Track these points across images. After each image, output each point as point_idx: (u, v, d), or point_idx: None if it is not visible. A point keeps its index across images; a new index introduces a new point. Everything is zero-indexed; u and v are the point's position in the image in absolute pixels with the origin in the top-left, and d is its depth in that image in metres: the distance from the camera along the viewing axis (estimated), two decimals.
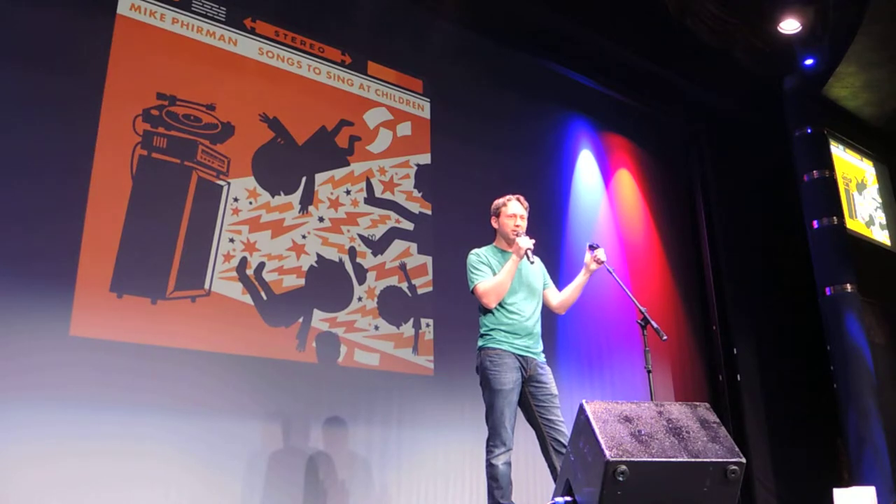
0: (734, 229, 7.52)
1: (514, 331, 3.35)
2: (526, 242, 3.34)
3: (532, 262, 3.42)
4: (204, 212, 4.44)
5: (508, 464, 3.19)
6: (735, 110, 7.57)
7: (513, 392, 3.26)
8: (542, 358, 3.41)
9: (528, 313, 3.41)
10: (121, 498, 3.69)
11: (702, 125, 7.76)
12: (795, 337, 7.34)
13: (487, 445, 3.23)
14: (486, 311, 3.40)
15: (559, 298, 3.58)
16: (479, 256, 3.45)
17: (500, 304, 3.37)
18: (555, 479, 3.21)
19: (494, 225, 3.56)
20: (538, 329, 3.45)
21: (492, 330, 3.36)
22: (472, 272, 3.41)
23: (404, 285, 5.19)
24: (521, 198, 3.55)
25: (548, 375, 3.37)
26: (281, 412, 4.37)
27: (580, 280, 3.51)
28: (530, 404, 3.31)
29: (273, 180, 4.77)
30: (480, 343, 3.39)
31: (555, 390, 3.35)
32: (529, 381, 3.32)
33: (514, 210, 3.49)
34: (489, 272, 3.40)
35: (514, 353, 3.31)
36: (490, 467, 3.19)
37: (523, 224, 3.47)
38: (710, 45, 6.48)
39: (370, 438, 4.68)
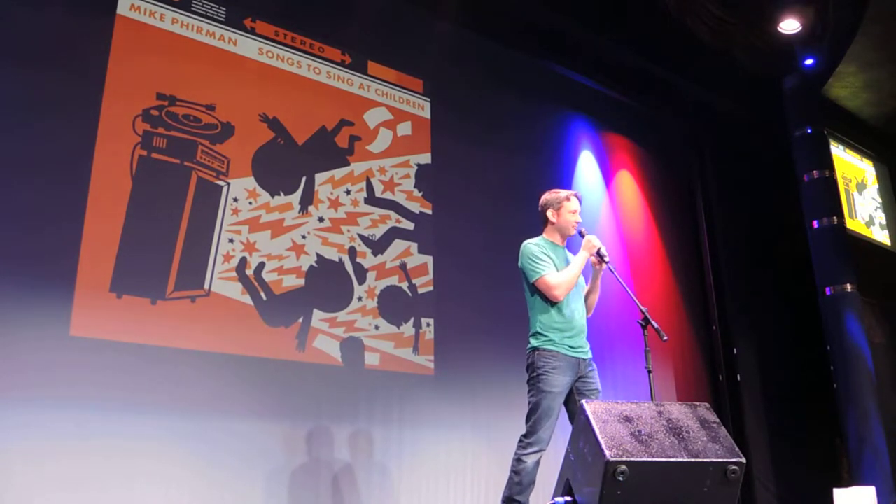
0: (734, 229, 7.52)
1: (568, 328, 3.35)
2: (598, 241, 3.41)
3: (607, 262, 3.43)
4: (204, 212, 4.44)
5: (538, 464, 3.19)
6: (735, 110, 7.56)
7: (561, 395, 3.27)
8: (590, 355, 3.43)
9: (580, 311, 3.44)
10: (121, 498, 3.69)
11: (702, 125, 7.76)
12: (795, 337, 7.34)
13: (522, 441, 3.23)
14: (543, 309, 3.37)
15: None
16: (540, 247, 3.44)
17: (557, 303, 3.35)
18: None
19: (553, 218, 3.54)
20: (586, 326, 3.46)
21: (549, 330, 3.33)
22: (535, 262, 3.38)
23: (405, 285, 5.18)
24: (580, 194, 3.61)
25: (595, 372, 3.40)
26: (281, 412, 4.37)
27: (594, 282, 3.54)
28: (575, 400, 3.30)
29: (273, 180, 4.77)
30: (535, 343, 3.34)
31: (599, 386, 3.38)
32: (577, 380, 3.34)
33: (576, 206, 3.54)
34: (552, 264, 3.39)
35: (568, 356, 3.31)
36: (518, 462, 3.19)
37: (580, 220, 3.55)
38: (710, 45, 6.47)
39: (370, 438, 4.68)
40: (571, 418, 3.33)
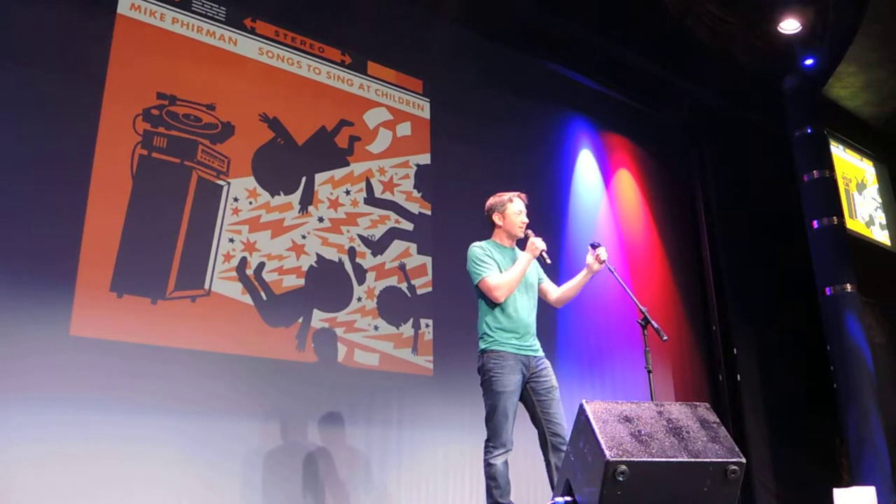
0: (734, 229, 7.52)
1: (514, 329, 3.35)
2: (542, 244, 3.41)
3: (549, 263, 3.45)
4: (204, 212, 4.44)
5: (506, 464, 3.21)
6: (735, 110, 7.56)
7: (515, 394, 3.27)
8: (540, 353, 3.42)
9: (527, 311, 3.43)
10: (120, 498, 3.69)
11: (702, 125, 7.76)
12: (795, 337, 7.34)
13: (487, 446, 3.24)
14: (487, 311, 3.40)
15: (558, 293, 3.61)
16: (484, 250, 3.46)
17: (500, 304, 3.36)
18: (549, 476, 3.23)
19: (498, 221, 3.55)
20: (534, 324, 3.47)
21: (494, 331, 3.35)
22: (479, 265, 3.40)
23: (404, 285, 5.19)
24: (523, 195, 3.59)
25: (548, 369, 3.39)
26: (280, 412, 4.37)
27: (581, 279, 3.53)
28: (532, 400, 3.32)
29: (273, 180, 4.77)
30: (483, 345, 3.37)
31: (555, 382, 3.37)
32: (530, 378, 3.34)
33: (520, 207, 3.54)
34: (496, 266, 3.41)
35: (516, 355, 3.31)
36: (488, 467, 3.20)
37: (527, 221, 3.53)
38: (710, 45, 6.47)
39: (370, 438, 4.68)
40: (532, 418, 3.34)
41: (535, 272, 3.59)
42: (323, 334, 4.69)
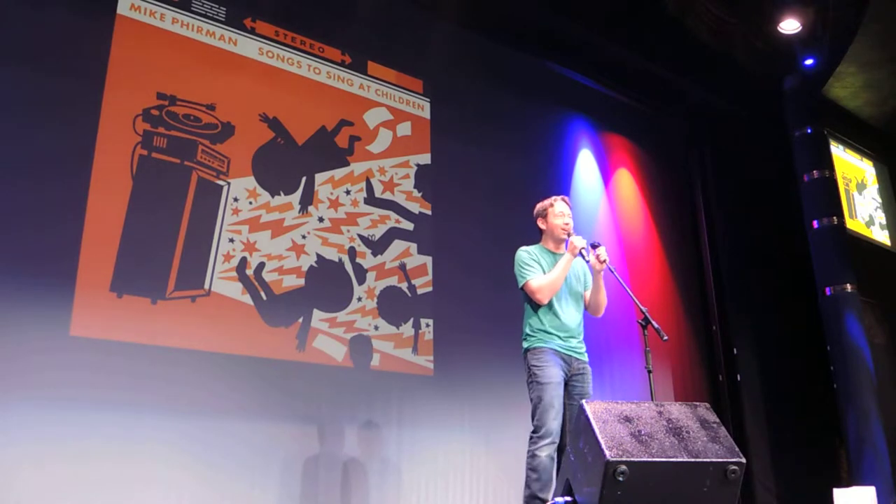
0: (734, 229, 7.52)
1: (557, 331, 3.38)
2: (581, 241, 3.43)
3: (588, 261, 3.48)
4: (204, 212, 4.44)
5: (552, 458, 3.18)
6: (735, 110, 7.56)
7: (559, 386, 3.29)
8: (585, 357, 3.45)
9: (570, 314, 3.46)
10: (120, 499, 3.68)
11: (702, 125, 7.76)
12: (795, 337, 7.34)
13: (532, 437, 3.23)
14: (531, 314, 3.43)
15: (587, 301, 3.64)
16: (530, 254, 3.51)
17: (543, 306, 3.39)
18: None
19: (542, 226, 3.61)
20: (581, 329, 3.50)
21: (536, 331, 3.39)
22: (524, 268, 3.45)
23: (404, 285, 5.18)
24: (567, 198, 3.64)
25: (587, 375, 3.42)
26: (280, 412, 4.37)
27: (596, 283, 3.57)
28: (564, 402, 3.33)
29: (273, 180, 4.77)
30: (525, 345, 3.41)
31: (588, 390, 3.39)
32: (570, 378, 3.37)
33: (561, 209, 3.58)
34: (540, 269, 3.45)
35: (558, 352, 3.35)
36: (532, 458, 3.18)
37: (571, 223, 3.56)
38: (710, 45, 6.47)
39: (370, 438, 4.68)
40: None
41: (582, 280, 3.61)
42: (323, 334, 4.69)
